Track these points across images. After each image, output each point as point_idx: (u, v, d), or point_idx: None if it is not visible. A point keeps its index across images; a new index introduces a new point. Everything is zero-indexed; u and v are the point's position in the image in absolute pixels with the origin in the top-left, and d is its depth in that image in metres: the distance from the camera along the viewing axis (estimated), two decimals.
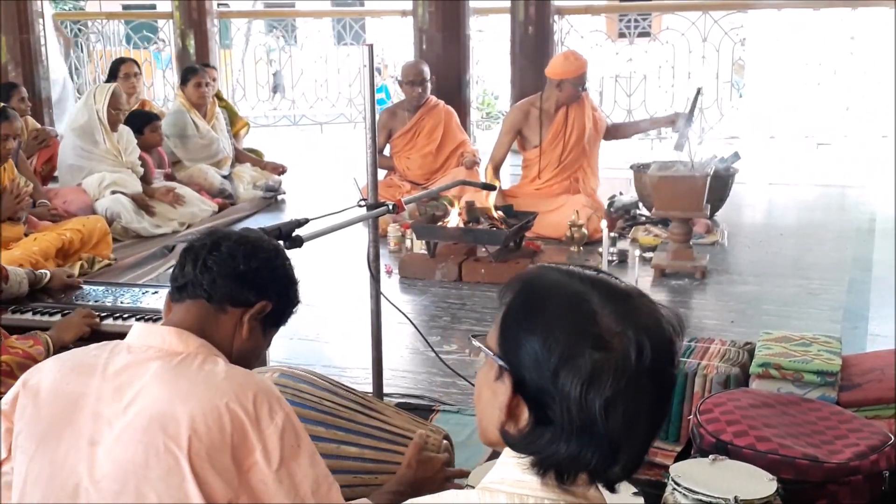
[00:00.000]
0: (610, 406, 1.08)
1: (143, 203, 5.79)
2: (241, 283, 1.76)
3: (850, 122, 8.34)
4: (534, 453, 1.14)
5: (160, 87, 10.25)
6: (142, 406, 1.56)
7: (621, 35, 8.84)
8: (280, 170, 7.14)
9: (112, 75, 6.83)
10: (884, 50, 8.40)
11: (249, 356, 1.81)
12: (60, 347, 2.76)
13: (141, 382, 1.59)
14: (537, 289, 1.18)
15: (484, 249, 4.91)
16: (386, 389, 3.07)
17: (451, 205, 5.13)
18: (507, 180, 6.17)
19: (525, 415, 1.14)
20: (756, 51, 9.61)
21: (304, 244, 2.39)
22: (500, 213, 5.10)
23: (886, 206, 6.21)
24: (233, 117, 7.43)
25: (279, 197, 6.88)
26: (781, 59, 9.21)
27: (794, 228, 5.89)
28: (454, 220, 5.04)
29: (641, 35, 8.86)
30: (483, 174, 5.94)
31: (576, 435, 1.10)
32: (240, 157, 7.16)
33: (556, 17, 8.22)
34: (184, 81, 6.87)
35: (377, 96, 11.14)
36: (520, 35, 8.08)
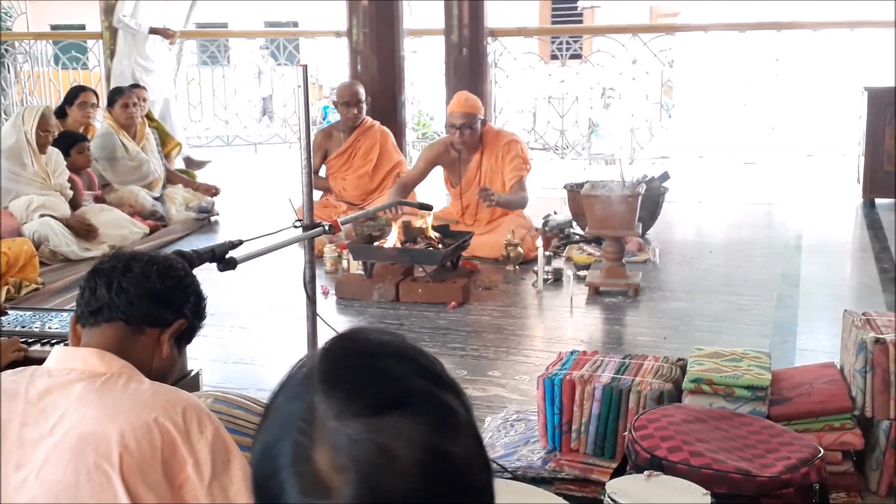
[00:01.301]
0: None
1: (77, 227, 5.67)
2: (157, 303, 1.76)
3: (775, 141, 8.56)
4: None
5: None
6: (69, 427, 1.54)
7: (553, 57, 8.97)
8: (213, 191, 7.06)
9: (69, 101, 6.70)
10: (806, 71, 8.66)
11: (167, 374, 1.82)
12: None
13: (66, 404, 1.57)
14: (268, 406, 0.86)
15: (421, 269, 4.91)
16: None
17: (389, 225, 5.12)
18: (441, 202, 6.18)
19: None
20: (684, 72, 9.83)
21: (239, 266, 2.36)
22: (437, 233, 5.11)
23: (814, 223, 6.39)
24: (164, 138, 7.32)
25: (212, 218, 6.79)
26: (709, 81, 9.43)
27: (723, 245, 6.02)
28: (391, 240, 5.03)
29: (573, 57, 8.99)
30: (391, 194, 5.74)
31: None
32: (172, 178, 7.06)
33: (489, 39, 8.30)
34: (111, 103, 6.75)
35: (328, 117, 10.94)
36: (454, 56, 8.13)
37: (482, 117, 5.60)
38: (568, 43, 8.88)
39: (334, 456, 0.77)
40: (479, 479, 0.82)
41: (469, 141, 5.51)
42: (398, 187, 5.73)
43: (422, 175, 5.83)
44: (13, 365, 2.82)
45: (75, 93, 6.80)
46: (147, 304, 1.75)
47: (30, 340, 3.05)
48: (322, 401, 0.80)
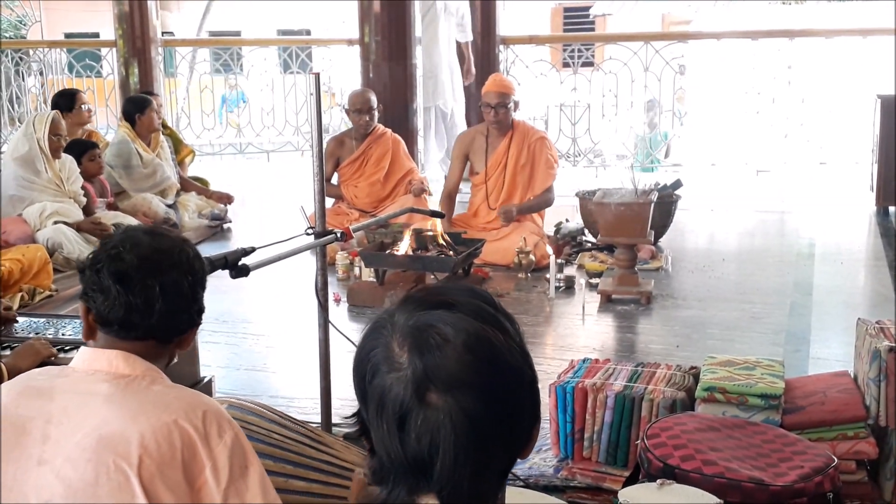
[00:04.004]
0: (403, 426, 1.04)
1: (90, 229, 5.69)
2: (188, 320, 1.77)
3: (788, 149, 8.53)
4: (379, 484, 1.10)
5: (103, 117, 10.13)
6: (91, 426, 1.56)
7: (565, 65, 8.96)
8: (226, 199, 7.08)
9: (68, 108, 6.70)
10: (819, 79, 8.63)
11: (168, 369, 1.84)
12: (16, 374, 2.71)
13: (90, 404, 1.59)
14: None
15: (433, 276, 4.91)
16: (334, 420, 3.05)
17: (402, 232, 5.13)
18: (456, 209, 6.18)
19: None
20: (696, 80, 9.80)
21: (251, 273, 2.37)
22: (448, 239, 5.11)
23: (827, 231, 6.37)
24: (178, 145, 7.36)
25: (225, 225, 6.81)
26: (721, 89, 9.40)
27: (735, 253, 5.99)
28: (403, 247, 5.04)
29: (585, 65, 8.98)
30: (437, 202, 5.93)
31: (387, 461, 1.07)
32: (185, 185, 7.09)
33: (501, 47, 8.31)
34: (132, 110, 6.75)
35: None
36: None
37: (516, 98, 5.72)
38: (580, 51, 8.88)
39: (400, 339, 1.07)
40: (518, 365, 1.08)
41: (503, 120, 5.65)
42: (448, 195, 5.89)
43: (460, 175, 5.96)
44: (43, 364, 2.84)
45: (71, 96, 6.79)
46: (180, 320, 1.76)
47: None
48: (397, 311, 1.11)
